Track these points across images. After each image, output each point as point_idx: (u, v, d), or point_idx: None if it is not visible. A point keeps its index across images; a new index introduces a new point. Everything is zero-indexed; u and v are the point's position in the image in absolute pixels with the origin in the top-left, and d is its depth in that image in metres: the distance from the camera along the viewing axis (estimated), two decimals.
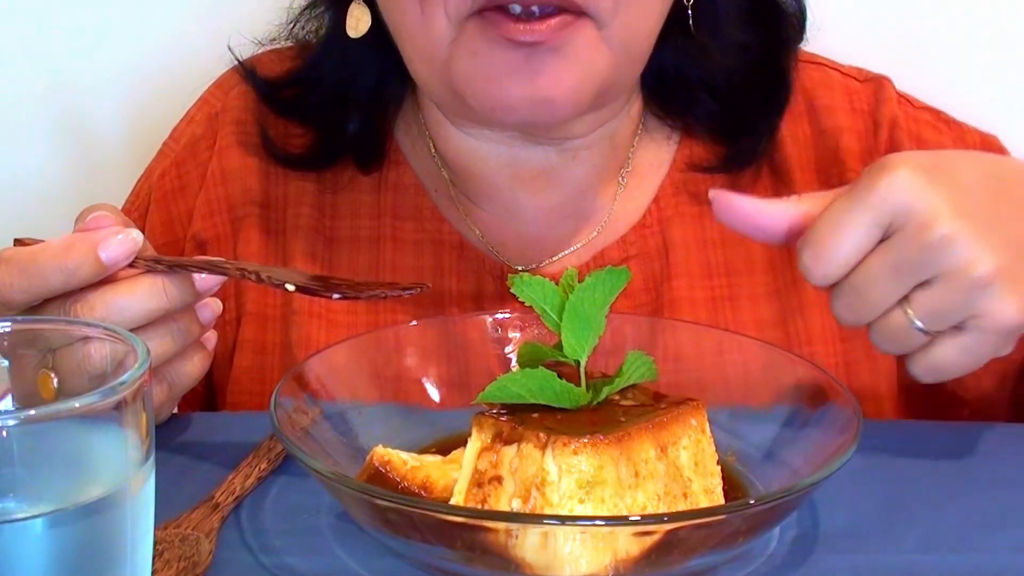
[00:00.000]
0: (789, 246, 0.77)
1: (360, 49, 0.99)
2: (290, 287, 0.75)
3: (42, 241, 0.79)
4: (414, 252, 1.02)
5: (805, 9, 1.04)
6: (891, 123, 1.04)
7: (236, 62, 1.07)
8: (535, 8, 0.86)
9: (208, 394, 1.06)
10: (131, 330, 0.65)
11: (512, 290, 0.74)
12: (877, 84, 1.06)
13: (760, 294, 1.01)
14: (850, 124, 1.04)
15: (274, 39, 1.07)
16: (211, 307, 0.81)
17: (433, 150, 1.04)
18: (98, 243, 0.74)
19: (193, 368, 0.81)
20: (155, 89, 1.38)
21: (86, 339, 0.66)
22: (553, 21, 0.87)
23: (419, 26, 0.90)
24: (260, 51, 1.08)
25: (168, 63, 1.38)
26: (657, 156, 1.05)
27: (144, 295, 0.75)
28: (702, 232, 1.02)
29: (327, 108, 1.03)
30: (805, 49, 1.06)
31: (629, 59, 0.93)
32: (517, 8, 0.86)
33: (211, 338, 0.84)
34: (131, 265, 0.76)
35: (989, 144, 1.05)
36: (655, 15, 0.93)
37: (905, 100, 1.06)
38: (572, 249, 1.02)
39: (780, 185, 1.03)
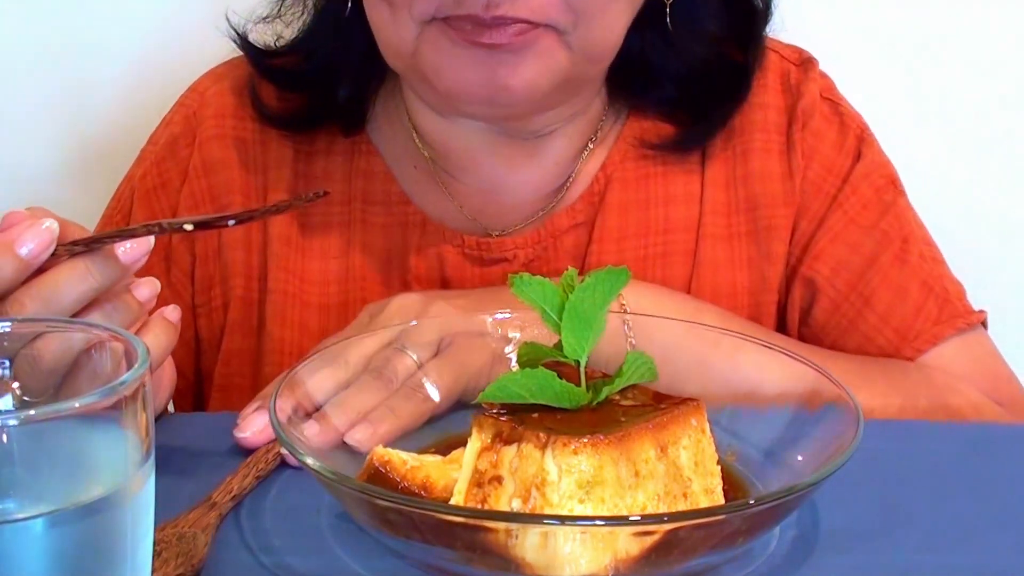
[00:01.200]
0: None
1: (350, 26, 1.02)
2: (188, 227, 0.75)
3: None
4: (383, 235, 1.06)
5: (772, 7, 1.07)
6: (811, 97, 1.08)
7: (232, 31, 1.09)
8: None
9: (197, 380, 1.10)
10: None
11: (512, 290, 0.74)
12: (807, 65, 1.11)
13: (689, 251, 1.05)
14: (778, 102, 1.08)
15: (266, 17, 1.10)
16: (147, 286, 0.80)
17: (413, 130, 1.07)
18: (14, 241, 0.73)
19: (158, 340, 0.80)
20: (150, 83, 1.39)
21: (37, 336, 0.65)
22: (513, 28, 0.91)
23: (389, 25, 0.95)
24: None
25: (163, 57, 1.39)
26: (614, 128, 1.09)
27: (69, 280, 0.74)
28: (645, 192, 1.06)
29: (318, 76, 1.07)
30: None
31: (590, 61, 0.97)
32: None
33: (174, 313, 0.82)
34: (54, 254, 0.75)
35: (863, 131, 1.10)
36: (618, 26, 0.97)
37: (821, 85, 1.10)
38: (537, 216, 1.06)
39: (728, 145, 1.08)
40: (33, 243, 0.73)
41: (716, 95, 1.06)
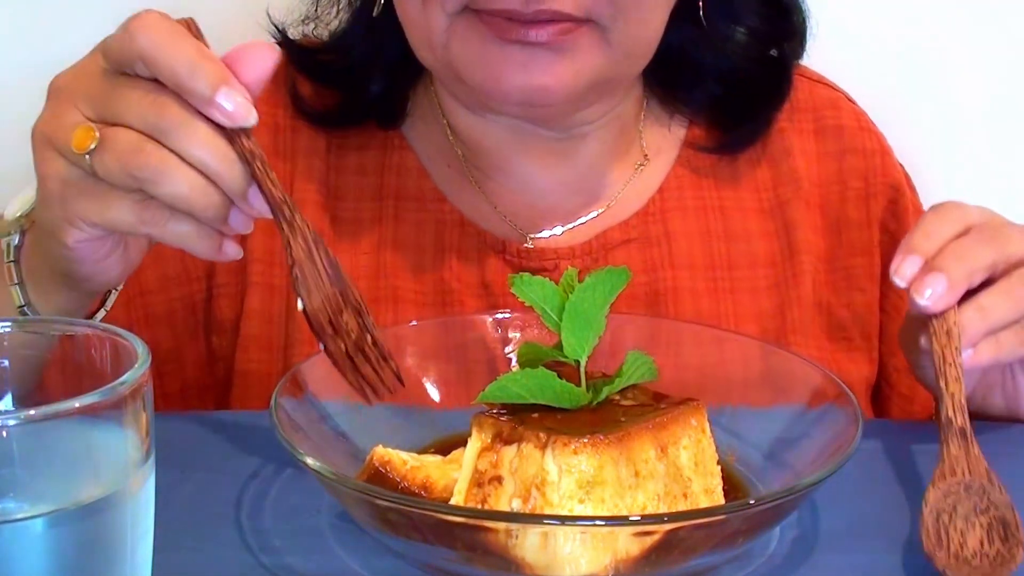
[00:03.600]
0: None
1: (384, 24, 1.02)
2: None
3: None
4: (416, 231, 1.04)
5: (805, 9, 1.07)
6: (897, 181, 1.09)
7: (272, 27, 1.09)
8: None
9: (211, 362, 1.08)
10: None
11: (512, 290, 0.74)
12: (881, 140, 1.11)
13: (761, 287, 1.05)
14: (857, 144, 1.09)
15: (304, 19, 1.10)
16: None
17: (448, 127, 1.07)
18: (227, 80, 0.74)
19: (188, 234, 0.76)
20: None
21: None
22: (554, 28, 0.89)
23: (420, 19, 0.94)
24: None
25: None
26: (665, 140, 1.08)
27: (212, 150, 0.74)
28: (705, 224, 1.06)
29: (354, 72, 1.06)
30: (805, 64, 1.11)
31: (630, 58, 0.96)
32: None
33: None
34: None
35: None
36: (657, 20, 0.95)
37: (902, 172, 1.12)
38: (579, 222, 1.05)
39: (779, 181, 1.08)
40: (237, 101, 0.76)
41: (760, 92, 1.06)
